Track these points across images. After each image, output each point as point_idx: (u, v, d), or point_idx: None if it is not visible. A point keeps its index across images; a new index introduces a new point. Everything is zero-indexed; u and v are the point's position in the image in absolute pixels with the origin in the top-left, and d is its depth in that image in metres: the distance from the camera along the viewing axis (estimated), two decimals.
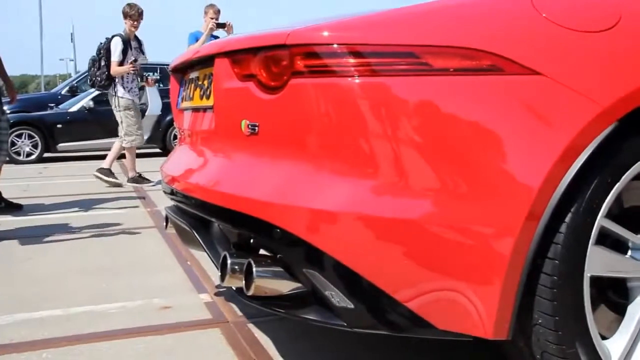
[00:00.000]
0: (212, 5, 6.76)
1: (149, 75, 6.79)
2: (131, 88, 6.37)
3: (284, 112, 1.51)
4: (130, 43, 6.37)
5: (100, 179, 6.48)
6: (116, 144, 6.57)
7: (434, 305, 1.39)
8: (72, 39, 40.38)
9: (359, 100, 1.39)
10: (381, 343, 2.06)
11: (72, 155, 10.55)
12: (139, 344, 2.14)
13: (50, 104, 10.89)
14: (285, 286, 1.54)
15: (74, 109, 10.35)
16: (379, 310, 1.42)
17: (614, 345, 1.46)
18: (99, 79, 6.29)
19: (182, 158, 2.15)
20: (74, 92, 11.22)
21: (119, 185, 6.45)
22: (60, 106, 10.68)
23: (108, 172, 6.53)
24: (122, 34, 6.37)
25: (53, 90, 13.21)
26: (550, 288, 1.35)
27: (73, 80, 12.13)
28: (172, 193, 2.07)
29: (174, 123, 2.59)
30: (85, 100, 10.35)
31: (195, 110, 2.06)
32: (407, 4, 1.48)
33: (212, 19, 6.61)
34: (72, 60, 41.46)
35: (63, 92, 11.45)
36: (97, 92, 10.28)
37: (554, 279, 1.35)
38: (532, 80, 1.35)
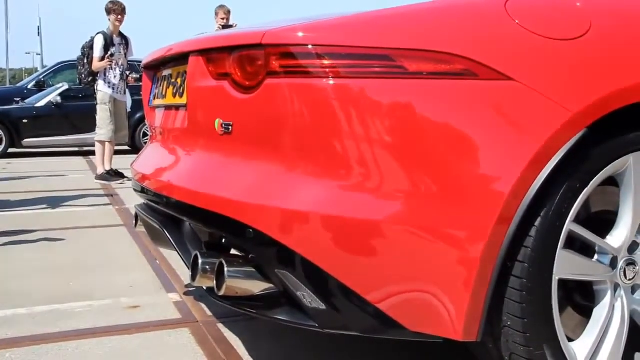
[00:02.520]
0: (222, 7, 6.77)
1: (129, 73, 6.72)
2: (114, 84, 6.44)
3: (258, 112, 1.50)
4: (113, 39, 6.47)
5: (108, 180, 6.40)
6: (97, 145, 6.60)
7: (404, 306, 1.39)
8: (39, 32, 39.60)
9: (334, 102, 1.39)
10: (352, 343, 2.07)
11: (37, 151, 10.35)
12: (107, 344, 2.11)
13: (15, 98, 10.66)
14: (257, 286, 1.54)
15: (41, 103, 10.14)
16: (350, 311, 1.43)
17: (580, 347, 1.49)
18: (83, 76, 6.45)
19: (153, 156, 2.13)
20: (41, 86, 11.01)
21: (122, 176, 6.41)
22: (26, 101, 10.46)
23: (107, 175, 6.47)
24: (105, 31, 6.48)
25: (19, 84, 12.90)
26: (519, 290, 1.37)
27: (40, 75, 11.89)
28: (143, 191, 2.05)
29: (146, 120, 2.56)
30: (52, 95, 10.14)
31: (168, 108, 2.04)
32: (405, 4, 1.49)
33: (222, 19, 6.62)
34: (39, 54, 40.68)
35: (29, 86, 11.21)
36: (65, 88, 10.14)
37: (523, 282, 1.37)
38: (504, 85, 1.37)
